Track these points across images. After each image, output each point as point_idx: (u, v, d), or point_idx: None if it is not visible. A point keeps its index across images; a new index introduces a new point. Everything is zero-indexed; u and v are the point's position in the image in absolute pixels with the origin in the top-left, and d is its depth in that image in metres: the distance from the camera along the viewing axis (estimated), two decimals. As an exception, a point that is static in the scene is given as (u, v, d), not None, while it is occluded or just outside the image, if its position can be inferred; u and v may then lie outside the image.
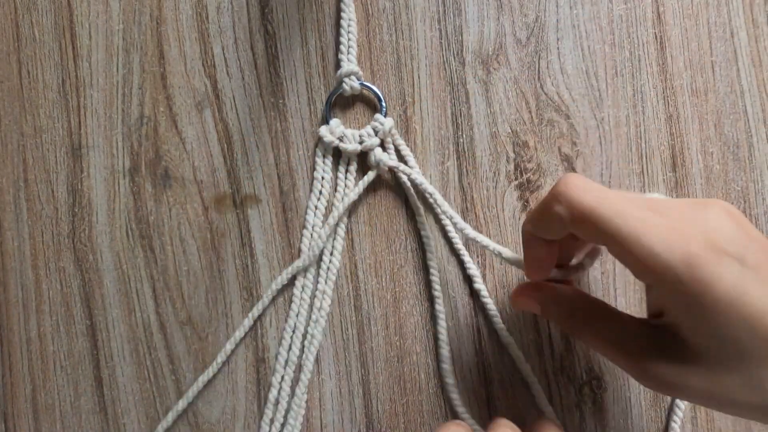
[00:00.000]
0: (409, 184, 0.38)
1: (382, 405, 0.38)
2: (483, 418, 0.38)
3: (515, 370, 0.38)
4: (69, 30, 0.39)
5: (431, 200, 0.37)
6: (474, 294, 0.38)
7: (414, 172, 0.37)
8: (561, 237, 0.28)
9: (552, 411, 0.37)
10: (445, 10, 0.38)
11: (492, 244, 0.35)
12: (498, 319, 0.37)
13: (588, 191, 0.25)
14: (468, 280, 0.38)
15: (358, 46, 0.38)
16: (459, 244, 0.37)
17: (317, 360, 0.38)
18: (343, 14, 0.38)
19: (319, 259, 0.38)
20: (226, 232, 0.39)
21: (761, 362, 0.23)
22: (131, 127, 0.39)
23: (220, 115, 0.39)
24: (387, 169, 0.37)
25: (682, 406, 0.37)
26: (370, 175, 0.38)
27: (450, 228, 0.38)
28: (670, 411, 0.37)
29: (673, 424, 0.37)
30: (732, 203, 0.38)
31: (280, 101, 0.39)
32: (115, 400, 0.39)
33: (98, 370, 0.39)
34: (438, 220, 0.38)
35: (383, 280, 0.38)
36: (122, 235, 0.39)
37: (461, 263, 0.38)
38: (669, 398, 0.37)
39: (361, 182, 0.37)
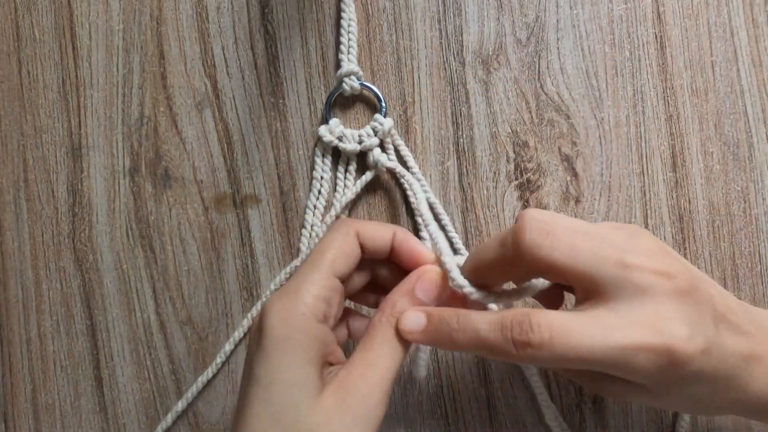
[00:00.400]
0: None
1: (382, 405, 0.38)
2: (483, 418, 0.38)
3: (515, 369, 0.38)
4: (69, 30, 0.39)
5: (415, 206, 0.36)
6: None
7: (408, 175, 0.37)
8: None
9: (555, 409, 0.37)
10: (445, 10, 0.38)
11: (450, 262, 0.29)
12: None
13: (539, 247, 0.26)
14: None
15: (358, 46, 0.38)
16: (459, 244, 0.37)
17: (317, 360, 0.38)
18: (343, 14, 0.38)
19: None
20: (226, 232, 0.39)
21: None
22: (131, 127, 0.39)
23: (220, 115, 0.39)
24: (385, 170, 0.37)
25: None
26: (368, 175, 0.37)
27: (450, 228, 0.38)
28: (676, 416, 0.37)
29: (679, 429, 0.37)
30: (732, 203, 0.38)
31: (280, 101, 0.39)
32: (115, 400, 0.39)
33: (98, 370, 0.39)
34: (438, 220, 0.38)
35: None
36: (122, 235, 0.39)
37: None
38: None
39: (358, 182, 0.37)
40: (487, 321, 0.26)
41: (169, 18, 0.39)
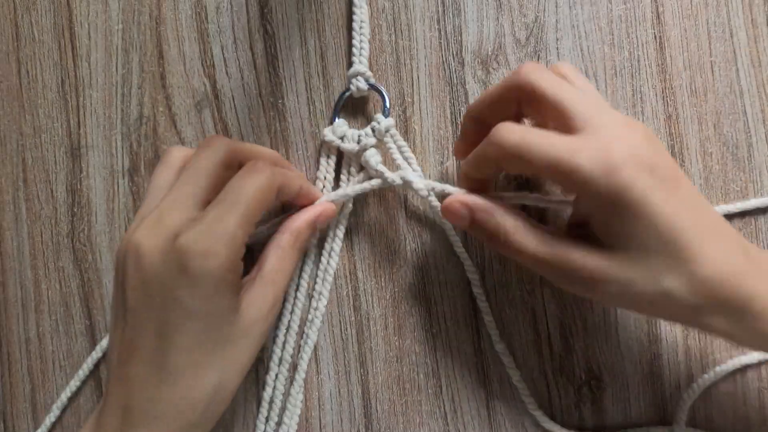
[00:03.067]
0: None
1: (381, 405, 0.38)
2: (482, 418, 0.38)
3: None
4: (68, 30, 0.39)
5: (399, 189, 0.37)
6: (473, 296, 0.38)
7: (394, 176, 0.35)
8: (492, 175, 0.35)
9: (542, 414, 0.37)
10: (444, 10, 0.38)
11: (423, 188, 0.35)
12: (491, 321, 0.37)
13: (513, 132, 0.29)
14: (467, 281, 0.38)
15: (352, 45, 0.38)
16: (459, 248, 0.37)
17: (316, 360, 0.38)
18: (354, 16, 0.38)
19: (318, 259, 0.38)
20: (226, 232, 0.39)
21: (658, 257, 0.27)
22: (130, 127, 0.39)
23: (219, 115, 0.39)
24: (375, 171, 0.36)
25: (686, 407, 0.37)
26: (361, 178, 0.37)
27: (450, 229, 0.38)
28: (678, 413, 0.37)
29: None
30: (731, 203, 0.38)
31: (279, 101, 0.39)
32: (114, 399, 0.39)
33: (98, 370, 0.39)
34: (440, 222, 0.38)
35: (382, 280, 0.38)
36: (121, 235, 0.39)
37: (461, 264, 0.38)
38: (669, 400, 0.37)
39: (359, 186, 0.36)
40: (484, 222, 0.31)
41: (168, 18, 0.39)
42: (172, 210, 0.29)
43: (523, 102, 0.31)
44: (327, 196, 0.36)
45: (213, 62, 0.39)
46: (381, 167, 0.36)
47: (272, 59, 0.39)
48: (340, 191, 0.36)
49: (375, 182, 0.36)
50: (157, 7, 0.39)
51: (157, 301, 0.28)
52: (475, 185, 0.34)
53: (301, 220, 0.34)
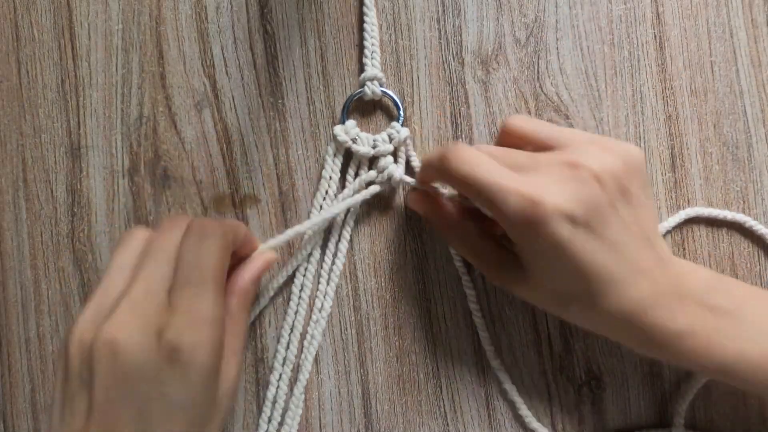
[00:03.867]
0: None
1: (381, 405, 0.38)
2: (482, 418, 0.38)
3: (514, 368, 0.38)
4: (68, 29, 0.39)
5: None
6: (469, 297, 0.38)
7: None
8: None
9: (531, 415, 0.37)
10: (444, 10, 0.38)
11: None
12: (481, 322, 0.37)
13: (464, 162, 0.30)
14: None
15: (356, 46, 0.38)
16: (459, 262, 0.37)
17: (316, 360, 0.38)
18: (366, 18, 0.38)
19: (322, 259, 0.38)
20: (225, 232, 0.39)
21: (569, 292, 0.31)
22: (130, 127, 0.39)
23: (219, 115, 0.39)
24: (399, 180, 0.37)
25: (684, 405, 0.37)
26: (375, 188, 0.37)
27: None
28: (674, 416, 0.37)
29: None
30: (731, 204, 0.38)
31: (279, 101, 0.39)
32: (114, 400, 0.39)
33: (97, 370, 0.39)
34: (437, 220, 0.38)
35: (382, 280, 0.38)
36: (121, 235, 0.39)
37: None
38: (669, 400, 0.37)
39: (365, 191, 0.37)
40: (437, 150, 0.33)
41: (168, 18, 0.39)
42: (146, 301, 0.28)
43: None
44: (266, 244, 0.35)
45: (213, 62, 0.39)
46: (407, 178, 0.37)
47: (272, 59, 0.39)
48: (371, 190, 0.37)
49: (350, 201, 0.37)
50: (157, 7, 0.39)
51: (138, 398, 0.27)
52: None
53: (245, 280, 0.32)
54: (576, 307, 0.31)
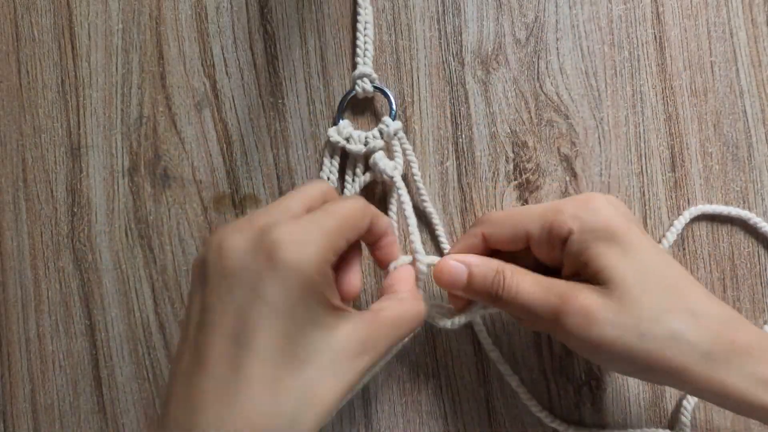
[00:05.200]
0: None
1: (381, 405, 0.38)
2: (481, 417, 0.38)
3: (513, 369, 0.38)
4: (68, 30, 0.39)
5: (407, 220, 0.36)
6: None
7: (403, 193, 0.36)
8: None
9: (547, 414, 0.37)
10: (444, 10, 0.38)
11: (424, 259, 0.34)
12: (482, 328, 0.37)
13: (518, 293, 0.31)
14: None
15: (356, 46, 0.38)
16: (447, 248, 0.37)
17: (316, 360, 0.38)
18: (359, 17, 0.38)
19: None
20: (225, 232, 0.39)
21: (658, 296, 0.29)
22: (130, 127, 0.39)
23: (219, 114, 0.39)
24: (385, 176, 0.36)
25: (689, 407, 0.37)
26: (366, 177, 0.37)
27: (443, 237, 0.38)
28: (676, 415, 0.37)
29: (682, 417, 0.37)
30: (731, 203, 0.38)
31: (279, 101, 0.39)
32: (114, 399, 0.39)
33: (97, 369, 0.39)
34: (433, 229, 0.38)
35: (382, 279, 0.38)
36: (121, 235, 0.39)
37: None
38: (669, 400, 0.37)
39: (356, 183, 0.37)
40: (483, 274, 0.32)
41: (168, 18, 0.39)
42: (262, 213, 0.28)
43: None
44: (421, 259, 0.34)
45: (213, 62, 0.39)
46: (396, 173, 0.36)
47: (272, 59, 0.39)
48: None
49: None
50: (157, 7, 0.39)
51: (237, 297, 0.25)
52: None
53: (404, 282, 0.33)
54: (678, 317, 0.29)
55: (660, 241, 0.38)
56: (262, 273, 0.25)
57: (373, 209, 0.31)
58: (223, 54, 0.39)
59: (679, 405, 0.37)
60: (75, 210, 0.39)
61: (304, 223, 0.27)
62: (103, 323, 0.39)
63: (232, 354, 0.25)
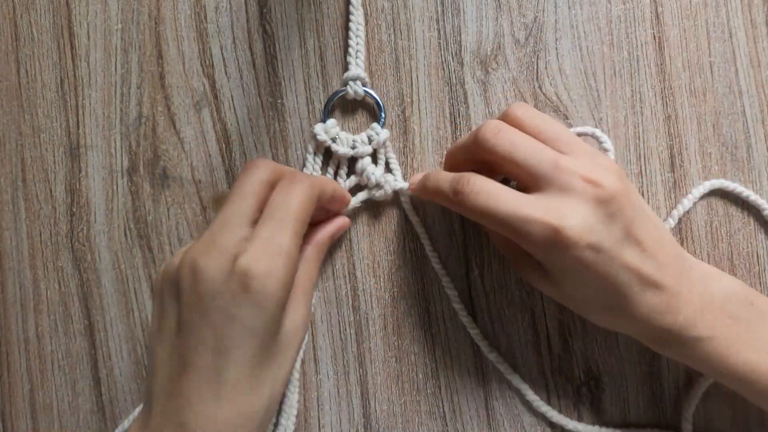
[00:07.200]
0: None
1: (380, 405, 0.38)
2: (480, 417, 0.38)
3: (512, 368, 0.38)
4: (67, 29, 0.39)
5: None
6: (471, 296, 0.38)
7: (408, 207, 0.37)
8: None
9: (550, 409, 0.37)
10: (443, 10, 0.38)
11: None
12: (477, 332, 0.38)
13: (481, 195, 0.31)
14: (467, 284, 0.38)
15: (348, 46, 0.38)
16: (437, 264, 0.38)
17: (315, 360, 0.38)
18: (351, 17, 0.38)
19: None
20: (225, 232, 0.39)
21: (598, 302, 0.32)
22: (129, 127, 0.39)
23: (218, 114, 0.39)
24: (374, 181, 0.37)
25: (689, 407, 0.37)
26: (351, 180, 0.38)
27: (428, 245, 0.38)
28: (677, 414, 0.37)
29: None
30: (731, 203, 0.38)
31: (279, 101, 0.39)
32: (113, 399, 0.39)
33: (96, 369, 0.39)
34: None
35: (381, 280, 0.38)
36: (120, 235, 0.39)
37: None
38: (668, 400, 0.37)
39: (358, 195, 0.38)
40: (449, 177, 0.32)
41: (167, 18, 0.39)
42: (224, 230, 0.30)
43: (486, 161, 0.33)
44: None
45: (212, 62, 0.39)
46: (386, 179, 0.37)
47: (271, 59, 0.39)
48: (359, 197, 0.38)
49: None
50: (156, 6, 0.39)
51: (214, 319, 0.28)
52: None
53: (324, 233, 0.35)
54: (598, 315, 0.33)
55: (666, 219, 0.38)
56: (237, 299, 0.28)
57: (315, 180, 0.33)
58: (222, 54, 0.39)
59: (678, 405, 0.37)
60: (74, 210, 0.39)
61: (267, 244, 0.29)
62: (102, 323, 0.39)
63: (214, 363, 0.28)
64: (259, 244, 0.29)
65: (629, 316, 0.31)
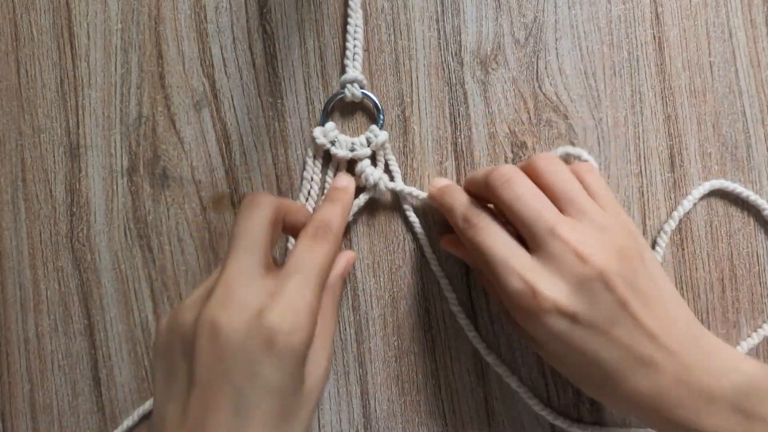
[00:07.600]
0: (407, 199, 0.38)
1: (380, 405, 0.38)
2: (480, 417, 0.38)
3: (513, 368, 0.38)
4: (67, 29, 0.39)
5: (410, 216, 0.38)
6: (471, 296, 0.38)
7: (411, 214, 0.38)
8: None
9: (550, 412, 0.37)
10: (443, 11, 0.38)
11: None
12: (475, 335, 0.37)
13: (484, 233, 0.32)
14: (467, 284, 0.38)
15: (345, 48, 0.38)
16: (436, 266, 0.37)
17: (315, 360, 0.38)
18: (349, 20, 0.38)
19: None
20: (225, 233, 0.39)
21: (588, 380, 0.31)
22: (129, 127, 0.39)
23: (218, 114, 0.39)
24: (373, 184, 0.37)
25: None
26: (363, 198, 0.38)
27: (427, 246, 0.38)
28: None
29: None
30: (731, 203, 0.38)
31: (279, 101, 0.39)
32: (113, 399, 0.39)
33: (96, 369, 0.39)
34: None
35: (381, 280, 0.38)
36: (120, 235, 0.39)
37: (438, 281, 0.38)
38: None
39: (356, 199, 0.38)
40: (465, 204, 0.33)
41: (167, 18, 0.39)
42: (240, 284, 0.29)
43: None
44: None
45: (212, 62, 0.39)
46: (391, 185, 0.37)
47: (271, 59, 0.39)
48: (360, 199, 0.38)
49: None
50: (156, 6, 0.39)
51: (235, 377, 0.27)
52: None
53: (335, 276, 0.34)
54: (592, 391, 0.32)
55: (662, 228, 0.38)
56: (259, 356, 0.27)
57: (337, 230, 0.33)
58: (222, 54, 0.39)
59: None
60: (74, 210, 0.39)
61: (293, 301, 0.29)
62: (102, 323, 0.39)
63: (233, 423, 0.27)
64: (285, 299, 0.28)
65: (623, 398, 0.30)
